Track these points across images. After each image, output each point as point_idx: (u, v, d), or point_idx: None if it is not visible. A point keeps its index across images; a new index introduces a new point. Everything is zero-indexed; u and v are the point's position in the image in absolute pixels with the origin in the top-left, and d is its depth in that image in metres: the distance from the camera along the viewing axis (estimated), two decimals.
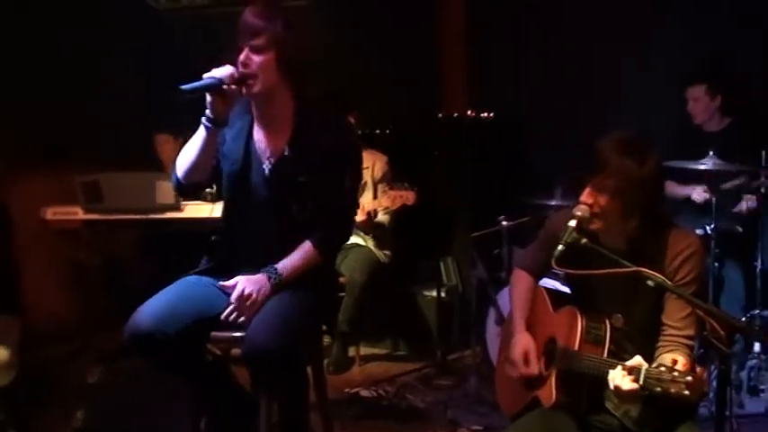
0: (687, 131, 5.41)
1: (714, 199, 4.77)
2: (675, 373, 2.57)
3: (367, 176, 5.65)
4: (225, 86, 3.18)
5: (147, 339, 3.17)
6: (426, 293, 5.84)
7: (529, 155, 6.15)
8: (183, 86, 3.11)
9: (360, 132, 5.92)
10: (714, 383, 4.00)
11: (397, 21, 6.24)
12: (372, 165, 5.68)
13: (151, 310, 3.24)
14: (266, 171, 3.41)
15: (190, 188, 3.47)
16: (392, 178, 5.60)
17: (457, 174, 5.97)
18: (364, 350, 5.76)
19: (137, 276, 5.65)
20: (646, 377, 2.63)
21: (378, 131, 6.38)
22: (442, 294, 5.62)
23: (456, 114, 6.25)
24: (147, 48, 5.89)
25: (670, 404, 2.72)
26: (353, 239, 5.60)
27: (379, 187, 5.58)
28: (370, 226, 5.60)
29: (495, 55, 6.30)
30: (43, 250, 5.57)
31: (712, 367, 4.25)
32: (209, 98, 3.20)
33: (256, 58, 3.23)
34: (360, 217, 5.47)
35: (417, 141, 6.30)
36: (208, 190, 3.63)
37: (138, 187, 5.04)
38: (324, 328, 3.86)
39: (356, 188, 3.52)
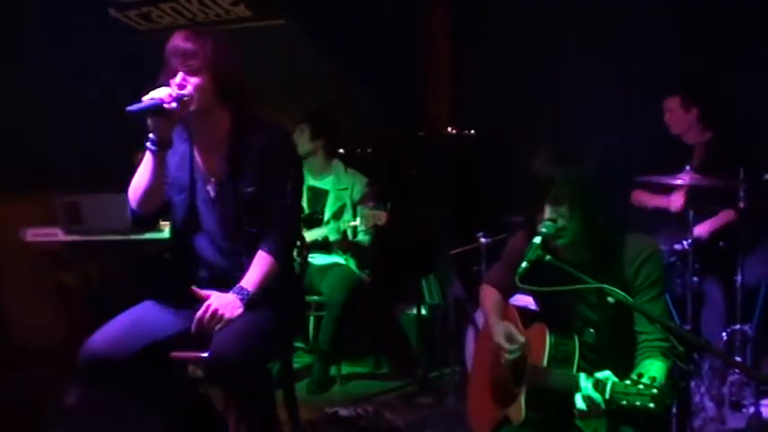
0: (668, 144, 5.40)
1: (692, 212, 4.76)
2: (641, 386, 2.61)
3: (346, 198, 5.66)
4: (166, 106, 3.21)
5: (102, 362, 3.20)
6: (408, 312, 5.82)
7: (510, 171, 6.14)
8: (130, 108, 3.16)
9: (342, 152, 5.96)
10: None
11: (377, 39, 6.24)
12: (351, 186, 5.69)
13: (105, 333, 3.28)
14: (211, 193, 3.46)
15: (146, 217, 3.54)
16: (372, 198, 5.59)
17: (438, 191, 5.96)
18: (345, 369, 5.73)
19: (118, 296, 5.62)
20: (612, 390, 2.67)
21: (359, 150, 6.39)
22: (423, 312, 5.60)
23: (437, 132, 6.26)
24: (128, 67, 5.89)
25: (640, 421, 2.74)
26: (334, 258, 5.61)
27: (359, 209, 5.56)
28: (348, 246, 5.59)
29: (475, 72, 6.31)
30: (24, 271, 5.57)
31: None
32: (150, 121, 3.24)
33: (192, 80, 3.28)
34: (334, 236, 5.49)
35: (399, 159, 6.30)
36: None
37: (117, 208, 5.04)
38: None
39: (298, 187, 3.54)
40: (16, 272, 5.56)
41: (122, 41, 6.30)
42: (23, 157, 5.45)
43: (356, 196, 5.69)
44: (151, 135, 3.28)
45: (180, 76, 3.28)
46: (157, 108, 3.20)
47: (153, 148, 3.30)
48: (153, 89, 3.28)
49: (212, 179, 3.46)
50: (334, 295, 5.33)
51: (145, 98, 3.21)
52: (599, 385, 2.73)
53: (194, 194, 3.48)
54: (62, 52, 5.68)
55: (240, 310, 3.29)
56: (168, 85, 3.28)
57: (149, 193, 3.40)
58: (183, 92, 3.26)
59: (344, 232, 5.50)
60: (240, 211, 3.40)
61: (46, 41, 5.66)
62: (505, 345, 3.23)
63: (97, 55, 5.75)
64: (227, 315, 3.26)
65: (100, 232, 5.29)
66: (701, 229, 5.00)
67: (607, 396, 2.69)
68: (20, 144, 5.43)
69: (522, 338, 3.21)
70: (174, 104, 3.22)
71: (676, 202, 5.16)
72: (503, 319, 3.38)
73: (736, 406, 4.77)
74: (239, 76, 3.40)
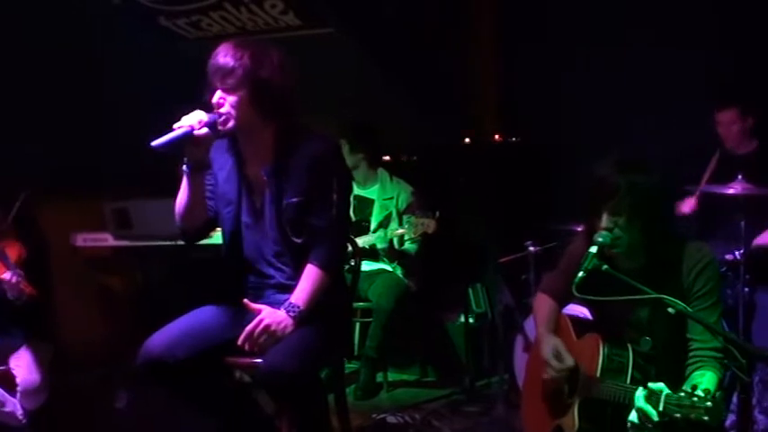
0: (713, 154, 5.35)
1: (743, 222, 4.71)
2: (695, 399, 2.58)
3: (392, 207, 5.67)
4: (196, 133, 3.20)
5: (158, 364, 3.25)
6: (455, 320, 5.80)
7: (556, 179, 6.12)
8: (155, 143, 3.13)
9: (387, 159, 5.98)
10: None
11: (424, 47, 6.25)
12: (397, 195, 5.69)
13: (163, 336, 3.33)
14: (257, 205, 3.47)
15: (193, 232, 3.56)
16: (418, 207, 5.57)
17: (485, 199, 5.95)
18: (392, 376, 5.73)
19: (166, 302, 5.67)
20: (666, 403, 2.64)
21: (405, 158, 6.40)
22: (470, 320, 5.58)
23: (483, 139, 6.26)
24: (179, 76, 5.93)
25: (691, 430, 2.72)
26: (380, 265, 5.61)
27: (404, 218, 5.55)
28: (394, 254, 5.60)
29: (521, 79, 6.30)
30: (74, 276, 5.63)
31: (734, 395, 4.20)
32: (183, 148, 3.24)
33: (229, 98, 3.27)
34: (382, 245, 5.49)
35: (445, 167, 6.31)
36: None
37: (166, 214, 5.04)
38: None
39: (344, 196, 3.49)
40: (66, 277, 5.62)
41: (173, 49, 6.35)
42: (75, 164, 5.50)
43: (402, 205, 5.68)
44: (185, 159, 3.30)
45: (218, 94, 3.28)
46: (185, 138, 3.19)
47: (187, 171, 3.33)
48: (204, 97, 3.31)
49: (258, 191, 3.47)
50: (382, 302, 5.33)
51: (176, 124, 3.21)
52: (652, 397, 2.70)
53: (241, 207, 3.50)
54: (112, 60, 5.75)
55: (291, 328, 3.27)
56: (210, 102, 3.30)
57: (189, 211, 3.44)
58: (217, 114, 3.26)
59: (391, 240, 5.50)
60: (285, 223, 3.40)
61: (96, 51, 5.73)
62: (553, 362, 3.24)
63: (148, 63, 5.80)
64: (279, 333, 3.25)
65: (149, 238, 5.34)
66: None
67: (661, 408, 2.66)
68: (71, 150, 5.48)
69: (570, 361, 3.20)
70: (203, 130, 3.21)
71: (688, 203, 5.13)
72: (554, 332, 3.37)
73: None
74: (282, 88, 3.33)
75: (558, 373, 3.23)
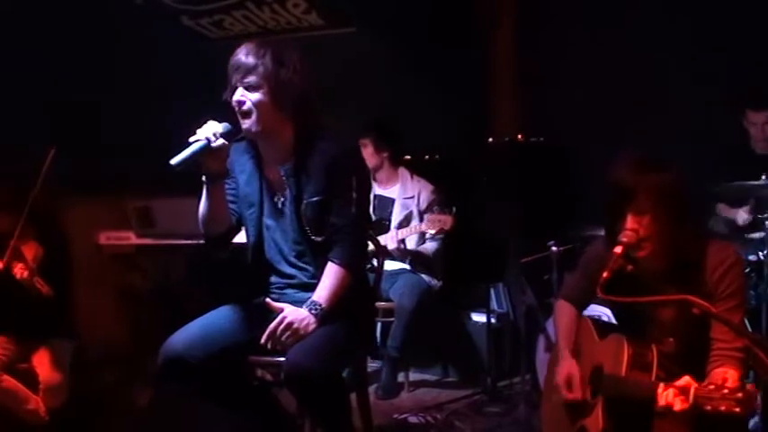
0: (738, 154, 5.32)
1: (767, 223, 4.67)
2: (725, 391, 2.55)
3: (412, 206, 5.66)
4: (213, 145, 3.20)
5: (179, 363, 3.25)
6: (476, 319, 5.79)
7: (579, 179, 6.09)
8: (174, 161, 3.14)
9: (408, 158, 5.97)
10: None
11: (446, 46, 6.24)
12: (418, 193, 5.68)
13: (184, 335, 3.33)
14: (279, 205, 3.48)
15: (217, 238, 3.54)
16: (438, 203, 5.57)
17: (507, 199, 5.94)
18: (413, 376, 5.72)
19: (188, 301, 5.68)
20: (695, 395, 2.61)
21: (427, 157, 6.39)
22: (492, 320, 5.56)
23: (506, 139, 6.24)
24: (200, 75, 5.95)
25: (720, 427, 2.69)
26: (402, 265, 5.60)
27: (425, 216, 5.54)
28: (404, 253, 5.59)
29: (544, 80, 6.29)
30: (96, 274, 5.64)
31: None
32: (200, 160, 3.23)
33: (250, 96, 3.27)
34: (392, 245, 5.49)
35: (467, 167, 6.30)
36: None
37: (189, 212, 5.07)
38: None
39: (363, 194, 3.50)
40: (88, 274, 5.64)
41: (195, 49, 6.36)
42: (98, 162, 5.52)
43: (423, 204, 5.66)
44: (204, 170, 3.30)
45: (239, 92, 3.28)
46: (203, 151, 3.19)
47: (207, 182, 3.33)
48: (224, 96, 3.32)
49: (279, 192, 3.48)
50: (404, 302, 5.33)
51: (192, 138, 3.20)
52: (681, 391, 2.67)
53: (263, 208, 3.50)
54: (137, 57, 5.76)
55: (314, 326, 3.28)
56: (230, 100, 3.31)
57: (212, 219, 3.43)
58: (241, 110, 3.28)
59: (401, 240, 5.50)
60: (306, 222, 3.40)
61: (118, 47, 5.74)
62: (563, 389, 3.24)
63: (170, 62, 5.81)
64: (302, 331, 3.26)
65: (171, 236, 5.36)
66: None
67: (691, 401, 2.62)
68: (94, 148, 5.50)
69: (579, 394, 3.20)
70: (219, 141, 3.22)
71: (744, 216, 5.09)
72: (574, 351, 3.36)
73: None
74: (302, 88, 3.33)
75: (560, 402, 3.25)
